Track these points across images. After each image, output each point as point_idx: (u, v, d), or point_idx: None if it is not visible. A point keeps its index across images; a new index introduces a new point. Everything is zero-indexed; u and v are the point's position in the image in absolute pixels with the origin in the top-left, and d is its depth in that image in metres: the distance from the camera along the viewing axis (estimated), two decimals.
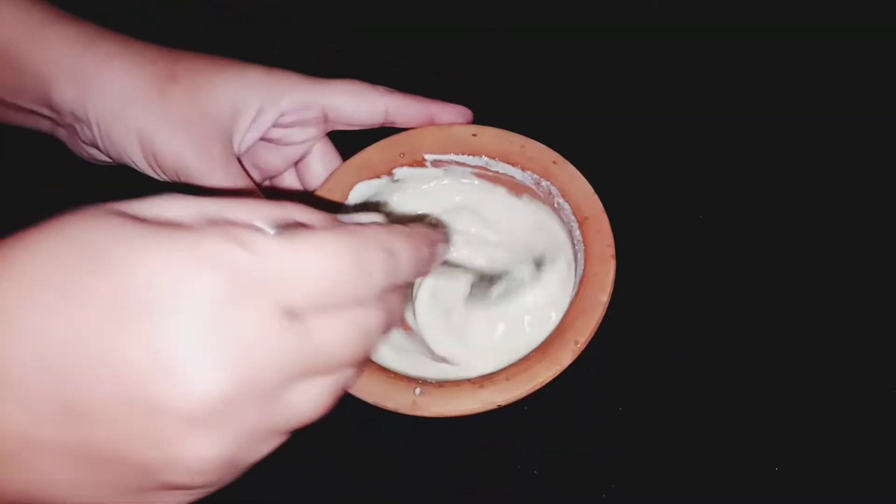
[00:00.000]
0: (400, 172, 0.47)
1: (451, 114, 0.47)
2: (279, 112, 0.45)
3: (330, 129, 0.48)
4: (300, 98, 0.45)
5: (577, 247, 0.44)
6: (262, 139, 0.47)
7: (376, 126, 0.47)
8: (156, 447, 0.24)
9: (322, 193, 0.47)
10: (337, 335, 0.26)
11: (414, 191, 0.49)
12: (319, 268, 0.25)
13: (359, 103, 0.46)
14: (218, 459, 0.24)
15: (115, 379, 0.23)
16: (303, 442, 0.46)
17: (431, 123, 0.47)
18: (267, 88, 0.45)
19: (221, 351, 0.23)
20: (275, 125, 0.46)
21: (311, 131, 0.48)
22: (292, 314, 0.24)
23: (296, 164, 0.50)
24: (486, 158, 0.47)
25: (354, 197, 0.47)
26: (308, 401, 0.26)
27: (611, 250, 0.43)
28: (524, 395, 0.40)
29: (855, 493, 0.44)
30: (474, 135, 0.47)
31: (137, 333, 0.23)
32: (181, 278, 0.23)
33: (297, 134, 0.48)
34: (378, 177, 0.47)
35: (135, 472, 0.24)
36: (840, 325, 0.48)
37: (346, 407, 0.42)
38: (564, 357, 0.40)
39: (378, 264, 0.27)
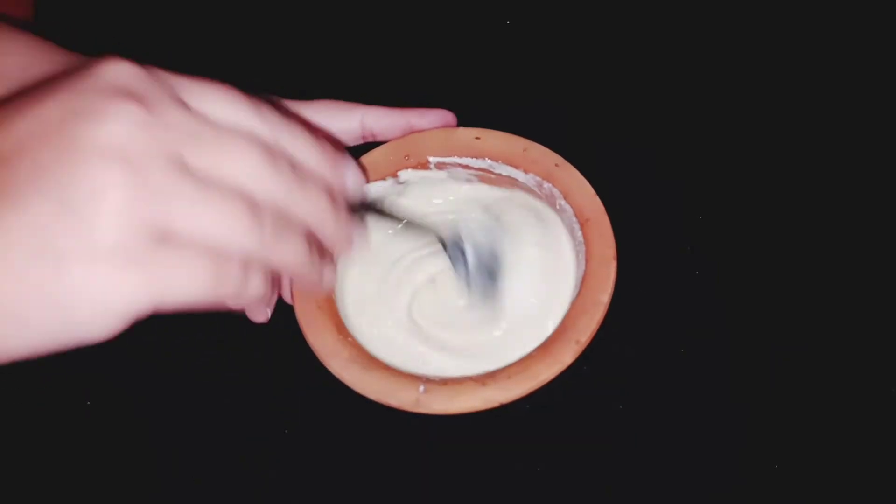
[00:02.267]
0: (405, 175, 0.48)
1: (430, 119, 0.48)
2: None
3: None
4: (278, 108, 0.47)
5: (578, 248, 0.45)
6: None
7: (357, 141, 0.48)
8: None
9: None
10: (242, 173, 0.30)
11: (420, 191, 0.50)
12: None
13: (334, 116, 0.46)
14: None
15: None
16: (305, 440, 0.47)
17: (412, 131, 0.48)
18: None
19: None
20: None
21: None
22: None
23: None
24: (489, 161, 0.47)
25: (465, 222, 0.48)
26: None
27: (612, 251, 0.44)
28: (526, 393, 0.41)
29: (855, 493, 0.44)
30: (478, 138, 0.48)
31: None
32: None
33: None
34: (383, 179, 0.48)
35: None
36: (841, 325, 0.48)
37: (349, 405, 0.43)
38: (566, 356, 0.41)
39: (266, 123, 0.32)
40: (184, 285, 0.28)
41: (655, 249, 0.50)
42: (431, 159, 0.48)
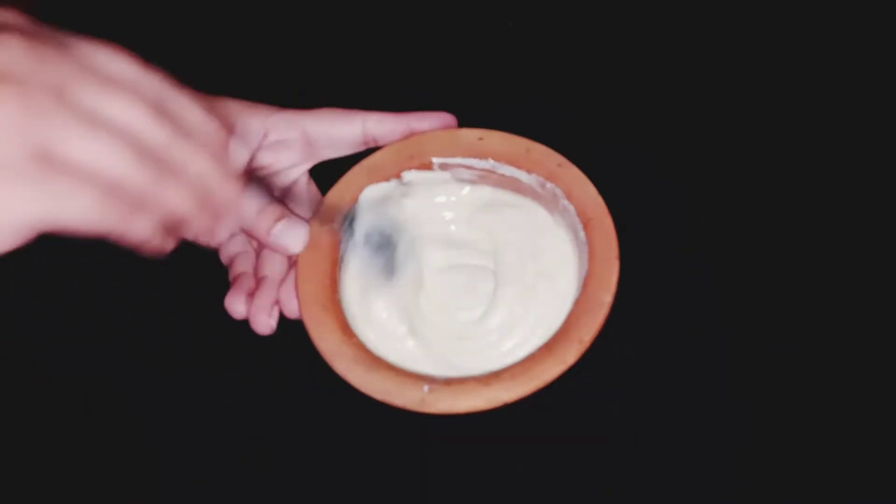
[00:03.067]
0: (408, 175, 0.48)
1: (431, 122, 0.48)
2: (264, 129, 0.47)
3: (314, 158, 0.49)
4: (282, 116, 0.47)
5: (581, 248, 0.45)
6: (250, 168, 0.47)
7: (359, 147, 0.48)
8: None
9: (331, 197, 0.48)
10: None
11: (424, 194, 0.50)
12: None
13: (335, 123, 0.47)
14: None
15: None
16: (306, 439, 0.48)
17: (412, 134, 0.48)
18: (248, 112, 0.47)
19: None
20: (261, 147, 0.47)
21: (296, 155, 0.48)
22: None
23: (283, 197, 0.50)
24: (492, 161, 0.48)
25: (364, 200, 0.48)
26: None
27: (614, 251, 0.44)
28: (530, 392, 0.41)
29: (855, 494, 0.44)
30: (481, 139, 0.48)
31: None
32: None
33: (283, 159, 0.48)
34: (387, 180, 0.48)
35: None
36: (840, 325, 0.48)
37: (351, 405, 0.43)
38: (569, 355, 0.41)
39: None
40: (70, 207, 0.30)
41: (657, 249, 0.50)
42: (435, 160, 0.48)
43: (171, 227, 0.34)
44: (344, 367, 0.43)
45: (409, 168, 0.48)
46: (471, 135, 0.48)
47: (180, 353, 0.50)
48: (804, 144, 0.54)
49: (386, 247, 0.48)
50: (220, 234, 0.37)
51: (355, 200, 0.48)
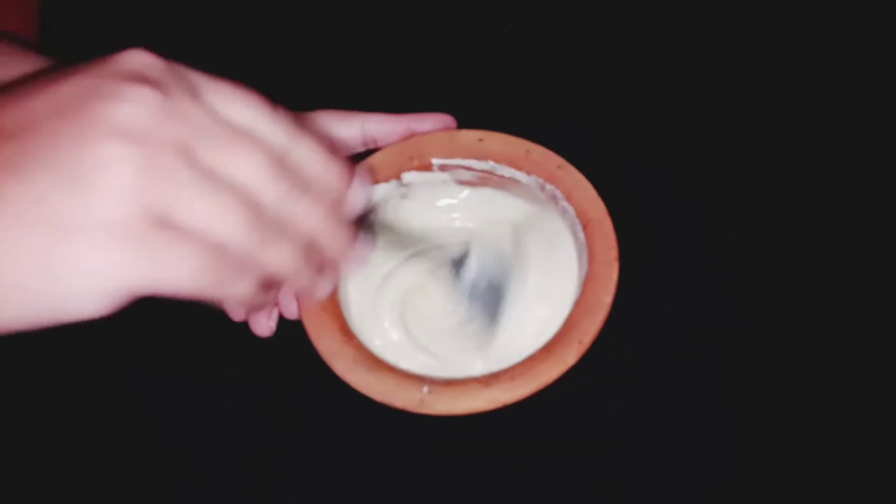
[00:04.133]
0: (408, 177, 0.48)
1: (430, 123, 0.48)
2: None
3: None
4: None
5: (581, 249, 0.45)
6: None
7: (359, 149, 0.48)
8: None
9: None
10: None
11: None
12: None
13: (334, 125, 0.47)
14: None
15: None
16: (305, 440, 0.48)
17: (412, 136, 0.48)
18: None
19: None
20: None
21: None
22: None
23: None
24: (492, 163, 0.48)
25: (474, 241, 0.48)
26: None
27: (614, 252, 0.44)
28: (530, 393, 0.41)
29: (855, 494, 0.45)
30: (481, 140, 0.48)
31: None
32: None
33: None
34: (386, 181, 0.48)
35: None
36: (842, 327, 0.48)
37: (350, 405, 0.43)
38: (569, 356, 0.41)
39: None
40: (176, 272, 0.29)
41: (658, 251, 0.50)
42: (435, 161, 0.48)
43: (272, 284, 0.33)
44: (343, 367, 0.43)
45: (409, 169, 0.48)
46: (470, 136, 0.48)
47: (180, 354, 0.50)
48: (807, 148, 0.54)
49: (492, 296, 0.47)
50: (323, 290, 0.36)
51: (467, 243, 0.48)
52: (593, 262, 0.44)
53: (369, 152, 0.48)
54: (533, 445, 0.46)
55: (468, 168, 0.48)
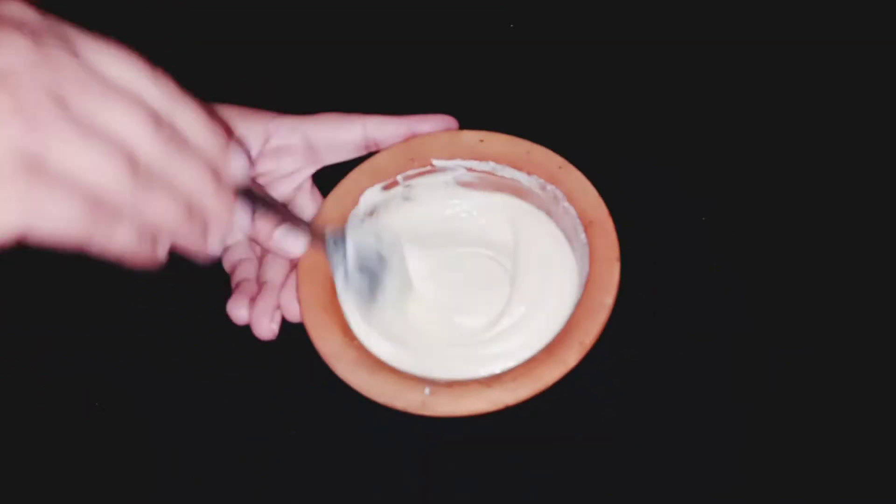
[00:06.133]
0: (409, 178, 0.48)
1: (431, 124, 0.48)
2: (265, 136, 0.47)
3: (315, 163, 0.49)
4: (282, 122, 0.47)
5: (582, 250, 0.45)
6: (253, 176, 0.47)
7: (361, 151, 0.48)
8: None
9: (332, 198, 0.48)
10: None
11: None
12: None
13: (336, 128, 0.47)
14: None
15: None
16: (306, 440, 0.48)
17: (413, 137, 0.48)
18: (249, 119, 0.47)
19: None
20: (262, 154, 0.47)
21: (298, 161, 0.48)
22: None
23: (286, 203, 0.50)
24: (493, 164, 0.48)
25: (364, 201, 0.48)
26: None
27: (615, 253, 0.44)
28: (531, 394, 0.41)
29: (855, 494, 0.45)
30: (482, 140, 0.48)
31: None
32: None
33: (285, 164, 0.48)
34: (388, 182, 0.48)
35: None
36: (843, 328, 0.48)
37: (351, 405, 0.43)
38: (570, 357, 0.42)
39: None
40: (50, 217, 0.29)
41: (659, 252, 0.50)
42: (436, 162, 0.48)
43: (157, 239, 0.33)
44: (345, 369, 0.43)
45: (410, 170, 0.48)
46: (471, 137, 0.48)
47: (180, 354, 0.50)
48: (808, 149, 0.54)
49: (374, 270, 0.47)
50: (212, 246, 0.37)
51: (341, 221, 0.47)
52: (594, 262, 0.44)
53: (371, 155, 0.48)
54: (534, 446, 0.46)
55: (469, 169, 0.48)
